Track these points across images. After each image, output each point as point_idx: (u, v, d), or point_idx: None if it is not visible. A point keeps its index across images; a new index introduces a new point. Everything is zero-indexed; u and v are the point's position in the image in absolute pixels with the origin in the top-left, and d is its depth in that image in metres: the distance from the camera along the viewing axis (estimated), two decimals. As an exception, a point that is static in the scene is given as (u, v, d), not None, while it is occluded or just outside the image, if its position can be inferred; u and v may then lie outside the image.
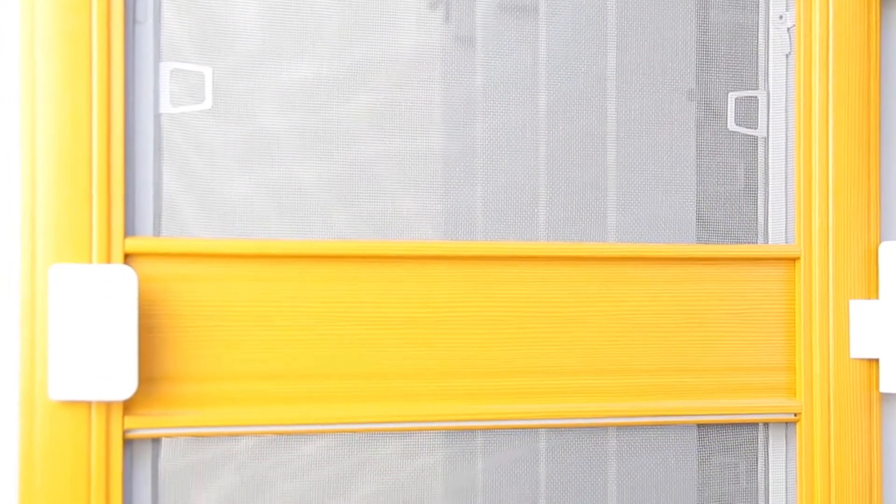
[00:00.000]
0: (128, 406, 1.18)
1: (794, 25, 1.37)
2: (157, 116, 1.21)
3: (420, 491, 1.28)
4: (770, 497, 1.38)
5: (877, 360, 1.35)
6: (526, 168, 1.31)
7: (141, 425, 1.18)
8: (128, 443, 1.20)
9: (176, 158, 1.22)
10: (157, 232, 1.21)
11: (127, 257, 1.18)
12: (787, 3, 1.38)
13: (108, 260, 1.16)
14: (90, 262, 1.15)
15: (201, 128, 1.23)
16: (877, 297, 1.35)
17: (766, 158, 1.38)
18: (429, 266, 1.26)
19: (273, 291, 1.23)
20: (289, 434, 1.24)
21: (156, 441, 1.22)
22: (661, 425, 1.34)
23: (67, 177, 1.15)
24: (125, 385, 1.14)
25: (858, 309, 1.34)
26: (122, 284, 1.13)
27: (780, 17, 1.37)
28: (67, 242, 1.15)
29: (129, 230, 1.20)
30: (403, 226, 1.28)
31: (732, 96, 1.37)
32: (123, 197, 1.17)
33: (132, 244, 1.18)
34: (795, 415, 1.35)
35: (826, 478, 1.34)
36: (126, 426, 1.18)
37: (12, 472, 1.17)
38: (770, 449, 1.38)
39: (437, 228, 1.29)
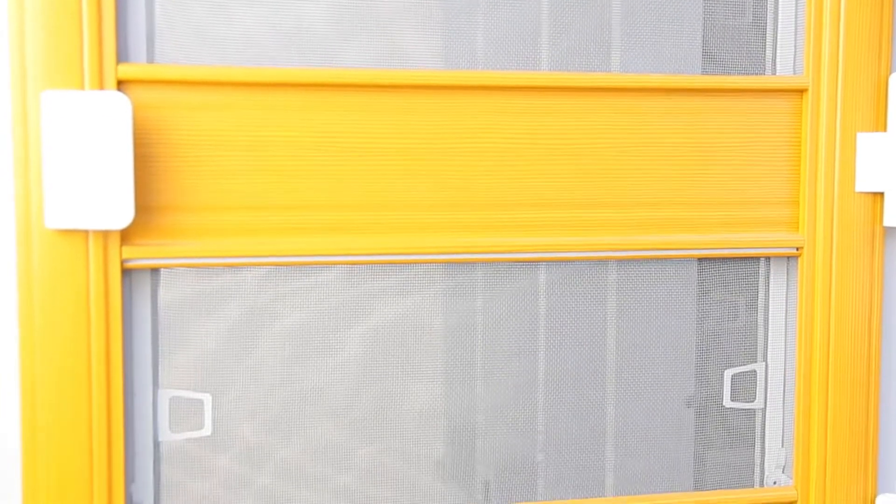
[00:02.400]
0: (126, 236, 1.17)
1: None
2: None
3: (420, 323, 1.29)
4: (769, 332, 1.38)
5: (882, 194, 1.34)
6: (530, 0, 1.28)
7: (139, 255, 1.18)
8: (126, 273, 1.20)
9: (168, -17, 1.19)
10: (150, 59, 1.19)
11: (120, 84, 1.16)
12: None
13: (101, 87, 1.14)
14: (82, 89, 1.13)
15: (193, -50, 1.19)
16: (885, 130, 1.33)
17: (777, -13, 1.34)
18: (430, 96, 1.24)
19: (273, 121, 1.20)
20: (288, 266, 1.24)
21: (154, 272, 1.21)
22: (661, 259, 1.34)
23: None
24: (122, 214, 1.13)
25: (865, 142, 1.32)
26: (115, 111, 1.11)
27: None
28: (58, 69, 1.12)
29: (121, 56, 1.17)
30: (405, 57, 1.25)
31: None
32: (115, 21, 1.14)
33: (125, 70, 1.15)
34: (797, 249, 1.34)
35: (826, 313, 1.34)
36: (124, 256, 1.17)
37: (11, 302, 1.16)
38: (771, 284, 1.38)
39: (439, 59, 1.26)
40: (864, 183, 1.33)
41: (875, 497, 1.37)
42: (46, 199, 1.11)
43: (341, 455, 1.27)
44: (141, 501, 1.22)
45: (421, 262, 1.27)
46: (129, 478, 1.21)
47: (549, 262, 1.31)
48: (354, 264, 1.25)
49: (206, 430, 1.24)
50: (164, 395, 1.22)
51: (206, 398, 1.23)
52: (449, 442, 1.31)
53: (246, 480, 1.25)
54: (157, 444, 1.23)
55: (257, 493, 1.25)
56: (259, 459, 1.25)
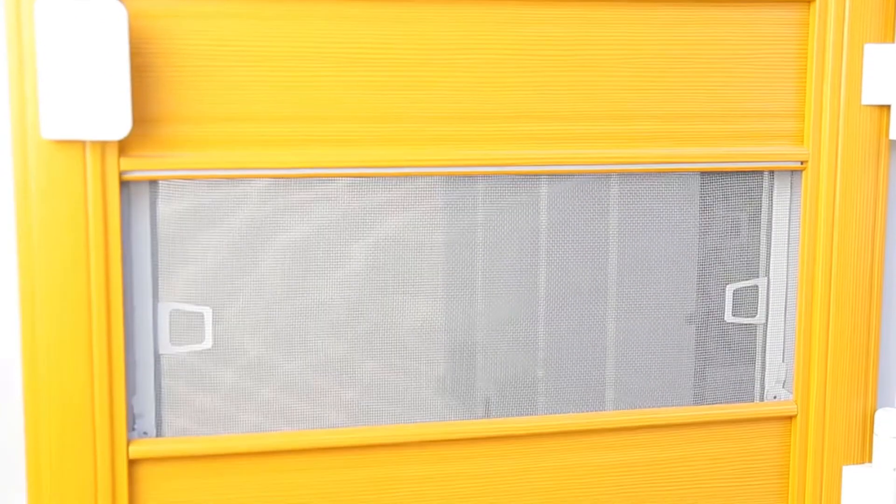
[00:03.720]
0: (123, 147, 1.16)
1: None
2: None
3: (422, 237, 1.28)
4: (772, 247, 1.38)
5: (888, 107, 1.32)
6: None
7: (137, 167, 1.16)
8: (125, 185, 1.19)
9: None
10: (145, -33, 1.16)
11: (115, -8, 1.14)
12: None
13: (96, -6, 1.12)
14: (77, -4, 1.11)
15: None
16: (892, 41, 1.31)
17: None
18: (435, 6, 1.22)
19: (273, 30, 1.19)
20: (287, 178, 1.22)
21: (153, 184, 1.20)
22: (664, 172, 1.33)
23: None
24: (119, 124, 1.11)
25: (873, 53, 1.30)
26: (111, 20, 1.09)
27: None
28: (52, -25, 1.10)
29: (116, -36, 1.15)
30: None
31: None
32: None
33: (120, -22, 1.13)
34: (802, 163, 1.33)
35: (829, 227, 1.33)
36: (122, 168, 1.16)
37: (9, 215, 1.16)
38: (774, 198, 1.37)
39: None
40: (870, 95, 1.31)
41: (875, 411, 1.37)
42: (42, 108, 1.09)
43: (344, 370, 1.27)
44: (142, 414, 1.22)
45: (422, 175, 1.26)
46: (131, 390, 1.21)
47: (550, 175, 1.30)
48: (355, 177, 1.24)
49: (207, 344, 1.24)
50: (164, 308, 1.22)
51: (207, 311, 1.23)
52: (450, 358, 1.31)
53: (247, 393, 1.25)
54: (157, 358, 1.23)
55: (259, 406, 1.25)
56: (261, 373, 1.25)
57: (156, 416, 1.23)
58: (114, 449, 1.19)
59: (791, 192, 1.36)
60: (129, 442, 1.20)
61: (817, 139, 1.32)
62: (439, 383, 1.31)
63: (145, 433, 1.23)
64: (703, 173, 1.35)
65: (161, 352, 1.23)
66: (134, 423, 1.22)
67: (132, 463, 1.20)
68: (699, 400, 1.38)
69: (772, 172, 1.36)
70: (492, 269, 1.31)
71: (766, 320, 1.39)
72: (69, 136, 1.10)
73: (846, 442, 1.37)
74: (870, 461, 1.38)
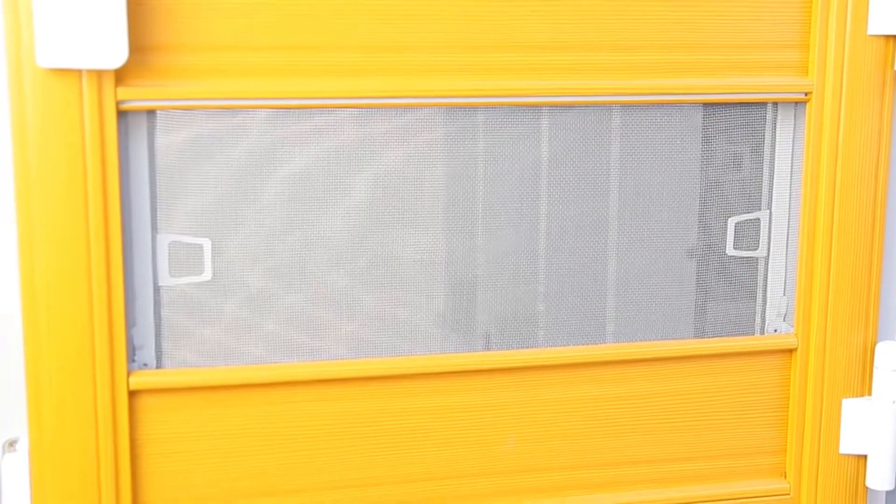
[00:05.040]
0: (120, 76, 1.15)
1: None
2: None
3: (421, 168, 1.27)
4: (775, 180, 1.37)
5: (894, 37, 1.31)
6: None
7: (134, 96, 1.15)
8: (122, 115, 1.17)
9: None
10: None
11: (110, -83, 1.12)
12: None
13: (91, -81, 1.10)
14: (71, -79, 1.09)
15: None
16: (899, -29, 1.29)
17: None
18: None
19: (270, -42, 1.17)
20: (287, 108, 1.21)
21: (151, 114, 1.19)
22: (666, 104, 1.31)
23: None
24: (115, 53, 1.10)
25: (879, -17, 1.29)
26: (106, -56, 1.07)
27: None
28: None
29: None
30: None
31: None
32: None
33: None
34: (806, 94, 1.32)
35: (833, 160, 1.32)
36: (119, 97, 1.14)
37: (6, 145, 1.14)
38: (777, 131, 1.36)
39: None
40: (876, 26, 1.29)
41: (875, 344, 1.37)
42: (38, 35, 1.08)
43: (345, 302, 1.27)
44: (142, 345, 1.22)
45: (422, 106, 1.25)
46: (130, 322, 1.21)
47: (551, 106, 1.28)
48: (356, 108, 1.23)
49: (207, 276, 1.23)
50: (163, 239, 1.21)
51: (206, 243, 1.22)
52: (450, 291, 1.30)
53: (248, 325, 1.25)
54: (156, 289, 1.22)
55: (259, 339, 1.25)
56: (261, 305, 1.25)
57: (156, 348, 1.23)
58: (114, 381, 1.18)
59: (794, 124, 1.35)
60: (129, 373, 1.19)
61: (822, 70, 1.31)
62: (440, 318, 1.30)
63: (145, 365, 1.23)
64: (706, 105, 1.34)
65: (160, 283, 1.22)
66: (134, 354, 1.22)
67: (132, 394, 1.20)
68: (700, 334, 1.38)
69: (775, 104, 1.35)
70: (492, 201, 1.30)
71: (768, 253, 1.39)
72: (65, 64, 1.09)
73: (846, 375, 1.38)
74: (869, 394, 1.38)
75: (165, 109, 1.18)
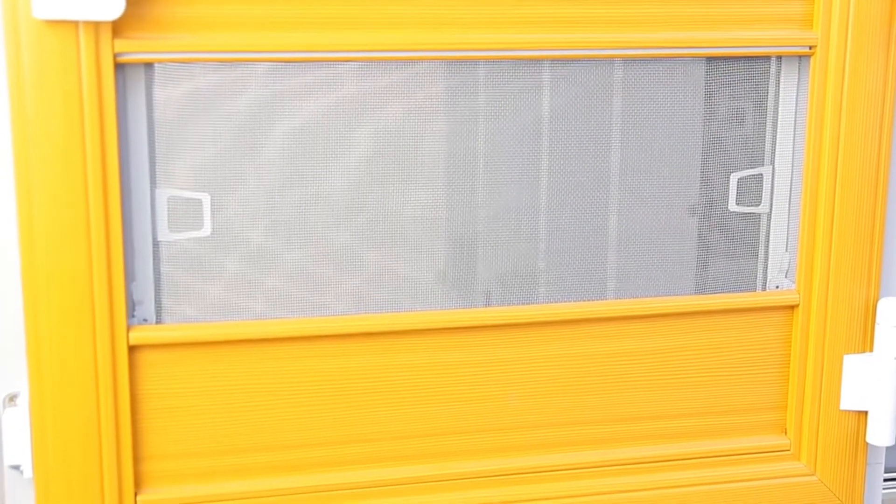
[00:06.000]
0: (118, 28, 1.13)
1: None
2: None
3: (422, 122, 1.26)
4: (778, 135, 1.36)
5: (900, -6, 1.30)
6: None
7: (132, 49, 1.14)
8: (119, 68, 1.16)
9: None
10: None
11: None
12: None
13: None
14: None
15: None
16: (906, -78, 1.28)
17: None
18: None
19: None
20: (287, 62, 1.20)
21: (149, 66, 1.18)
22: (668, 58, 1.30)
23: None
24: (112, 4, 1.09)
25: (885, -66, 1.27)
26: None
27: None
28: None
29: None
30: None
31: None
32: None
33: None
34: (811, 48, 1.31)
35: (836, 115, 1.31)
36: (116, 49, 1.13)
37: (3, 100, 1.13)
38: (781, 85, 1.35)
39: None
40: (882, -20, 1.28)
41: (877, 301, 1.37)
42: (33, -14, 1.07)
43: (345, 259, 1.26)
44: (141, 300, 1.22)
45: (423, 59, 1.24)
46: (129, 277, 1.20)
47: (552, 59, 1.27)
48: (356, 60, 1.22)
49: (206, 231, 1.22)
50: (162, 194, 1.21)
51: (205, 198, 1.22)
52: (451, 248, 1.30)
53: (247, 281, 1.24)
54: (156, 244, 1.22)
55: (259, 294, 1.25)
56: (261, 261, 1.24)
57: (155, 303, 1.22)
58: (114, 336, 1.18)
59: (798, 77, 1.34)
60: (128, 328, 1.19)
61: (827, 23, 1.29)
62: (440, 274, 1.30)
63: (145, 320, 1.22)
64: (709, 59, 1.32)
65: (159, 238, 1.21)
66: (133, 309, 1.22)
67: (132, 349, 1.20)
68: (701, 290, 1.38)
69: (779, 59, 1.34)
70: (493, 157, 1.29)
71: (770, 209, 1.38)
72: (61, 15, 1.08)
73: (847, 331, 1.37)
74: (871, 350, 1.38)
75: (163, 62, 1.17)
